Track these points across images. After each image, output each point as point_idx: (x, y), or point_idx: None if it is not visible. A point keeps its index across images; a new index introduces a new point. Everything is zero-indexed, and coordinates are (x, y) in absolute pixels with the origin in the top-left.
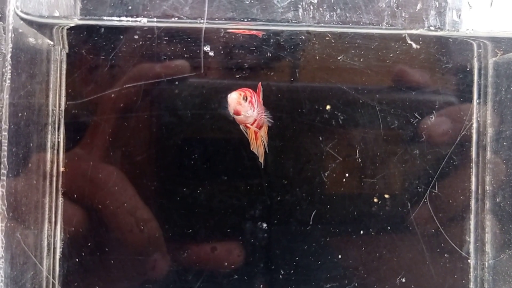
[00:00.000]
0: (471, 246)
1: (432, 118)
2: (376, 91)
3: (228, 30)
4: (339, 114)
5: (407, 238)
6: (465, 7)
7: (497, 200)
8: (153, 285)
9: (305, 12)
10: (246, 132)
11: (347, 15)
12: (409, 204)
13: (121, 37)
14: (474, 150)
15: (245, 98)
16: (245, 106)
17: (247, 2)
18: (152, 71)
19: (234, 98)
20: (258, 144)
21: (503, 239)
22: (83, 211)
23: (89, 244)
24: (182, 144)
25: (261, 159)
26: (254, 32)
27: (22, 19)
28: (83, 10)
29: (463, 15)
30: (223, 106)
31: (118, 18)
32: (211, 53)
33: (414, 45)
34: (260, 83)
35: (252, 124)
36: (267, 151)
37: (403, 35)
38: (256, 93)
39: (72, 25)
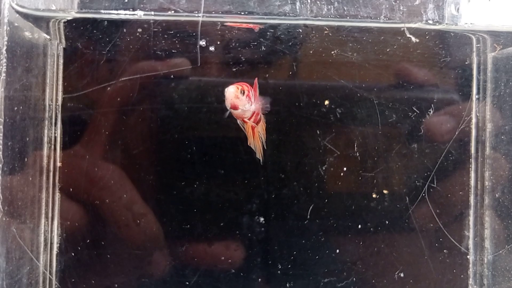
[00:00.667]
0: (470, 242)
1: (430, 111)
2: (374, 85)
3: (225, 24)
4: (337, 108)
5: (406, 233)
6: (463, 0)
7: (496, 195)
8: (149, 280)
9: (302, 5)
10: (244, 127)
11: (345, 8)
12: (407, 199)
13: (118, 30)
14: (473, 145)
15: (242, 92)
16: (243, 100)
17: None
18: (153, 70)
19: (231, 92)
20: (256, 139)
21: (503, 234)
22: (80, 206)
23: (86, 239)
24: (179, 138)
25: (258, 155)
26: (251, 26)
27: (17, 12)
28: (80, 3)
29: (462, 9)
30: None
31: (115, 12)
32: (211, 48)
33: (413, 39)
34: (256, 78)
35: (249, 119)
36: (265, 147)
37: (402, 28)
38: (252, 87)
39: (69, 18)
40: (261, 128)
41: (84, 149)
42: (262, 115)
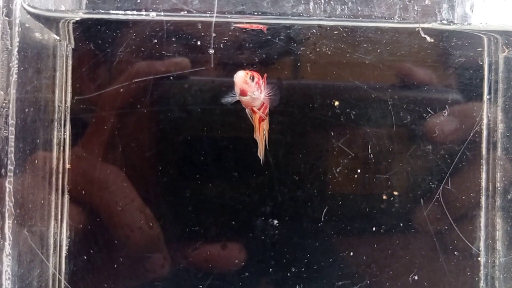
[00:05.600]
0: (482, 244)
1: (445, 113)
2: (388, 86)
3: (234, 25)
4: (350, 109)
5: (419, 235)
6: (478, 0)
7: (508, 197)
8: (163, 283)
9: (316, 6)
10: (251, 118)
11: (359, 8)
12: (422, 201)
13: (128, 31)
14: (485, 146)
15: (252, 77)
16: (252, 86)
17: None
18: (152, 69)
19: (240, 77)
20: (260, 135)
21: None
22: (88, 209)
23: (95, 241)
24: (190, 140)
25: (260, 153)
26: (260, 27)
27: (29, 13)
28: (91, 4)
29: (476, 9)
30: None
31: (124, 12)
32: (222, 49)
33: (428, 39)
34: (265, 74)
35: (259, 109)
36: (267, 147)
37: (417, 29)
38: (262, 78)
39: (77, 19)
40: (265, 125)
41: (92, 151)
42: (271, 99)
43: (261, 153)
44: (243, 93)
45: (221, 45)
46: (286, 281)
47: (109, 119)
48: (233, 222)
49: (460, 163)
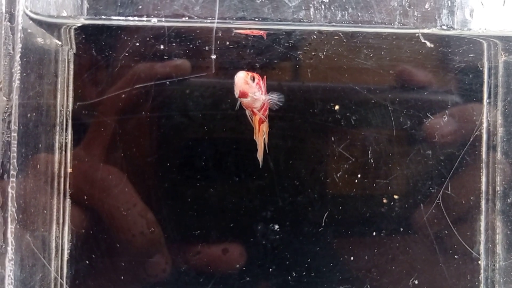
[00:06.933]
0: (482, 247)
1: (445, 117)
2: (388, 91)
3: (235, 31)
4: (350, 114)
5: (419, 239)
6: (477, 5)
7: (508, 201)
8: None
9: (316, 11)
10: (251, 119)
11: (359, 14)
12: (422, 205)
13: (130, 37)
14: (484, 150)
15: (252, 78)
16: (253, 87)
17: (258, 2)
18: (153, 71)
19: (241, 77)
20: (260, 137)
21: None
22: (90, 213)
23: (97, 245)
24: (191, 145)
25: (259, 155)
26: (259, 32)
27: (31, 19)
28: (92, 10)
29: (475, 14)
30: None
31: (125, 18)
32: (223, 54)
33: (428, 44)
34: (265, 76)
35: (259, 110)
36: (267, 151)
37: (416, 34)
38: (262, 80)
39: (79, 25)
40: (265, 128)
41: (93, 155)
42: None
43: (260, 155)
44: (243, 95)
45: (222, 51)
46: (287, 286)
47: (111, 123)
48: (234, 226)
49: (460, 168)
